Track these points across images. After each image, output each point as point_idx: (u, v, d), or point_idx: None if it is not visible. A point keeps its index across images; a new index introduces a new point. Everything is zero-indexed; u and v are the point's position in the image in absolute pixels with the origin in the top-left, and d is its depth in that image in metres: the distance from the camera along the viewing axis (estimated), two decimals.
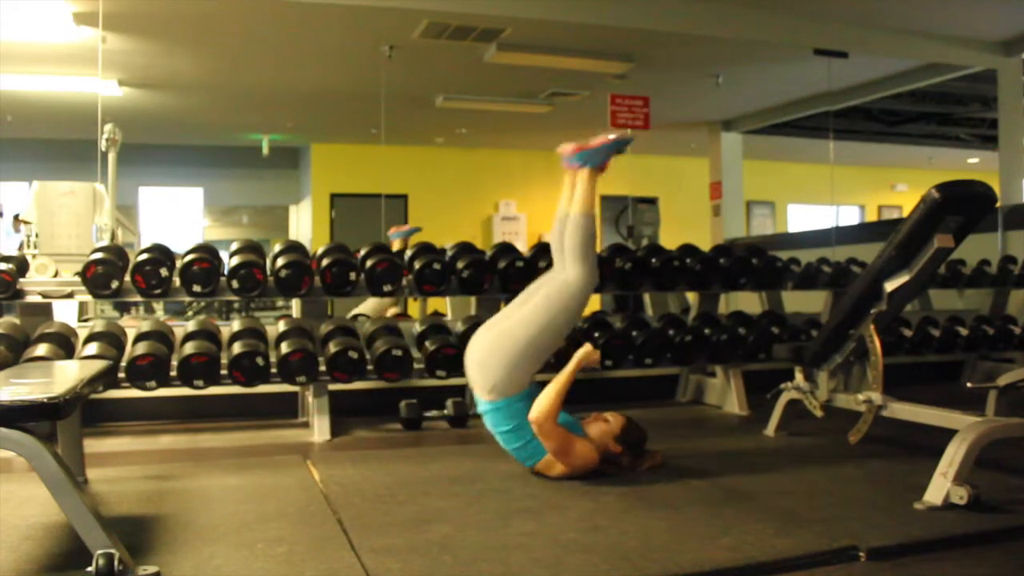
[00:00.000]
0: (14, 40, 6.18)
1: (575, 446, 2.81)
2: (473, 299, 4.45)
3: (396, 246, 5.89)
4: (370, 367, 3.82)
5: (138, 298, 3.75)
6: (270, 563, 2.03)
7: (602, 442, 2.87)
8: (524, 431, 2.84)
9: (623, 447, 2.87)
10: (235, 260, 3.81)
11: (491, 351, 2.91)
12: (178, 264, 3.75)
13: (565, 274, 2.97)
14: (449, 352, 3.87)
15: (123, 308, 6.87)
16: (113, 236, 6.22)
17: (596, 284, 3.09)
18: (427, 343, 3.95)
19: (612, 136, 3.16)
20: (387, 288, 3.95)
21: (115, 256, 3.76)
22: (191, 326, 3.92)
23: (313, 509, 2.52)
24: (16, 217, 6.12)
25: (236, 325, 3.93)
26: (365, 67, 7.08)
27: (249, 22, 6.14)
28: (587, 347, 2.95)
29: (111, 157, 6.39)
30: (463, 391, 4.37)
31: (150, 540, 2.19)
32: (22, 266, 3.79)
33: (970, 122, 10.54)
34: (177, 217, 11.45)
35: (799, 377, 3.49)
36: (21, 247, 6.14)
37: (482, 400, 2.93)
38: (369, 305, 5.65)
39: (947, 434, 2.61)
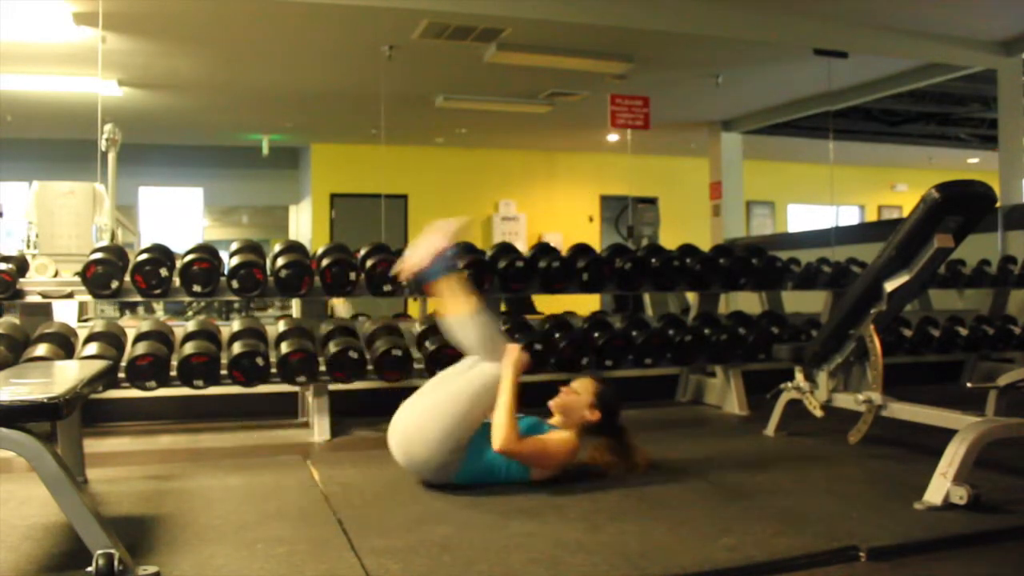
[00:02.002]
0: (14, 40, 6.18)
1: (549, 446, 2.71)
2: None
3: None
4: (370, 367, 3.82)
5: (138, 298, 3.75)
6: (270, 563, 2.03)
7: (577, 415, 2.78)
8: (496, 465, 2.68)
9: (600, 412, 2.78)
10: (235, 260, 3.81)
11: (413, 440, 2.66)
12: (178, 264, 3.75)
13: (476, 369, 2.74)
14: (449, 352, 3.86)
15: (123, 308, 6.86)
16: (113, 236, 6.23)
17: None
18: (427, 343, 3.95)
19: (434, 247, 2.79)
20: (387, 288, 3.95)
21: (115, 256, 3.76)
22: (191, 326, 3.92)
23: (313, 509, 2.52)
24: None
25: (236, 325, 3.93)
26: (365, 67, 7.08)
27: (249, 22, 6.14)
28: (514, 351, 2.73)
29: (111, 157, 6.39)
30: None
31: (150, 540, 2.19)
32: (22, 266, 3.79)
33: (970, 122, 10.55)
34: (177, 217, 11.46)
35: (799, 377, 3.48)
36: None
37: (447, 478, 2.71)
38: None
39: (947, 434, 2.61)
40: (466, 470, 2.68)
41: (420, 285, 2.85)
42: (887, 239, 3.01)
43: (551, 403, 2.88)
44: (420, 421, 2.67)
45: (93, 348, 3.51)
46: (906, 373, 4.75)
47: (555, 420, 2.86)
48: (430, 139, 10.94)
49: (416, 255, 2.79)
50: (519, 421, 2.70)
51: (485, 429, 2.70)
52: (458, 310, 2.76)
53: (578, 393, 2.84)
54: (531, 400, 4.14)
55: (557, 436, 2.76)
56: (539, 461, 2.71)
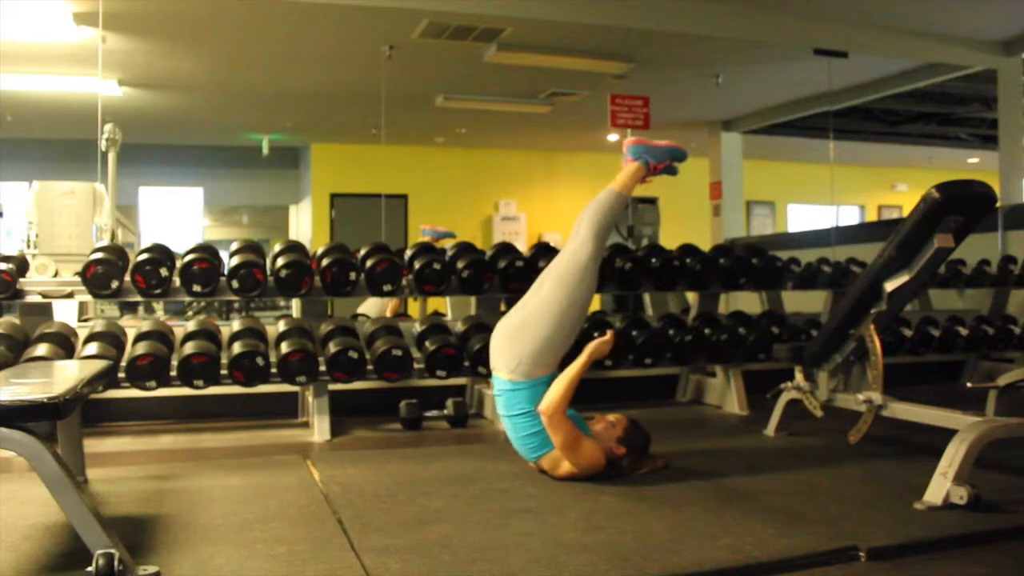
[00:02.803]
0: (14, 40, 6.18)
1: (583, 444, 2.78)
2: (473, 299, 4.45)
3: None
4: (370, 367, 3.82)
5: (138, 298, 3.75)
6: (270, 563, 2.03)
7: (606, 443, 2.85)
8: (534, 420, 2.82)
9: (627, 449, 2.85)
10: (235, 260, 3.81)
11: (520, 330, 2.92)
12: (178, 264, 3.75)
13: (575, 246, 2.99)
14: (449, 352, 3.87)
15: (123, 308, 6.87)
16: (113, 236, 6.23)
17: (602, 257, 3.13)
18: (427, 343, 3.95)
19: (673, 144, 3.20)
20: (387, 288, 3.95)
21: (115, 256, 3.76)
22: (191, 326, 3.92)
23: (313, 509, 2.52)
24: None
25: (236, 325, 3.93)
26: (365, 67, 7.08)
27: (249, 22, 6.14)
28: (603, 338, 2.93)
29: (111, 157, 6.39)
30: (463, 391, 4.37)
31: (150, 540, 2.19)
32: (22, 266, 3.79)
33: (970, 122, 10.55)
34: (177, 217, 11.46)
35: (799, 377, 3.48)
36: None
37: (502, 379, 2.92)
38: (370, 305, 5.65)
39: (947, 434, 2.61)
40: (535, 387, 2.85)
41: (632, 156, 3.17)
42: (887, 239, 3.00)
43: (591, 424, 2.93)
44: (531, 308, 2.94)
45: (93, 348, 3.51)
46: (906, 373, 4.75)
47: (593, 430, 2.91)
48: (430, 139, 10.94)
49: (658, 141, 3.19)
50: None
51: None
52: (616, 186, 3.09)
53: (612, 425, 2.90)
54: None
55: (591, 444, 2.82)
56: (565, 445, 2.76)
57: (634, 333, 4.29)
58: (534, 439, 2.84)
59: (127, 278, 3.69)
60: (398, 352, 3.80)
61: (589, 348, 2.89)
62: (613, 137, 9.82)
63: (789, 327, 4.52)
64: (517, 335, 2.91)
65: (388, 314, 5.44)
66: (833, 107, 8.61)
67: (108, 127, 6.27)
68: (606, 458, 2.83)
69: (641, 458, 2.91)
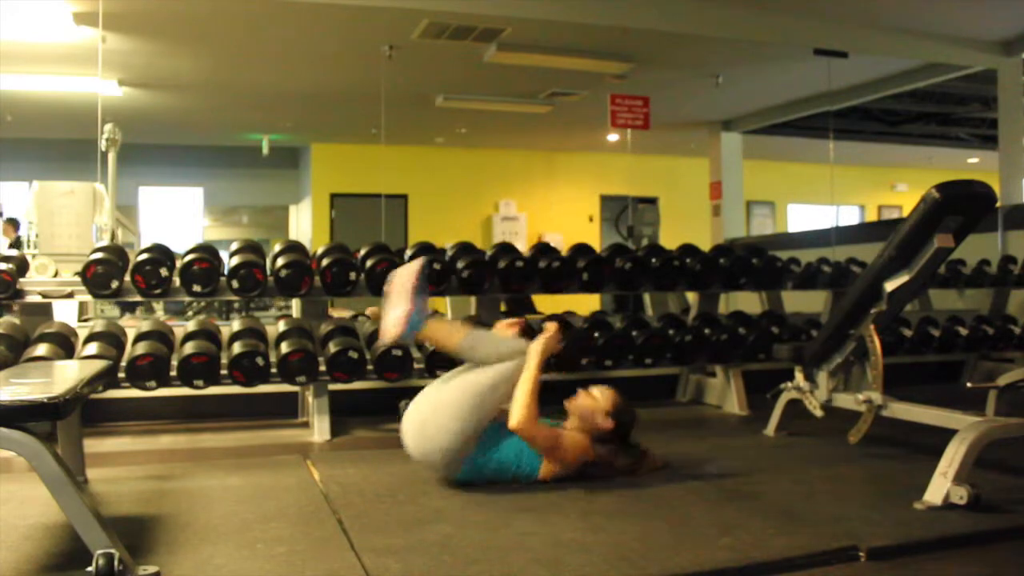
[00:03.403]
0: (14, 40, 6.18)
1: (563, 439, 2.71)
2: (473, 299, 4.45)
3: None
4: (370, 367, 3.82)
5: (138, 298, 3.75)
6: (270, 563, 2.03)
7: (591, 419, 2.78)
8: (504, 463, 2.69)
9: (614, 422, 2.78)
10: (235, 260, 3.81)
11: (427, 424, 2.65)
12: (178, 264, 3.75)
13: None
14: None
15: (123, 308, 6.86)
16: (113, 236, 6.23)
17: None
18: (427, 343, 3.95)
19: (400, 311, 2.73)
20: (387, 288, 3.94)
21: (115, 256, 3.76)
22: (191, 326, 3.92)
23: (313, 509, 2.52)
24: (9, 221, 6.13)
25: (236, 325, 3.93)
26: (365, 67, 7.09)
27: (249, 22, 6.14)
28: (547, 334, 2.75)
29: (111, 157, 6.40)
30: None
31: (150, 540, 2.19)
32: (22, 266, 3.79)
33: (970, 122, 10.55)
34: (177, 217, 11.46)
35: (799, 377, 3.48)
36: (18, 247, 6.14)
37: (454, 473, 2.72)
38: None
39: (947, 434, 2.61)
40: (475, 465, 2.68)
41: (407, 342, 2.84)
42: (887, 239, 3.00)
43: (568, 403, 2.87)
44: (438, 407, 2.68)
45: (93, 348, 3.51)
46: (906, 373, 4.74)
47: (569, 423, 2.86)
48: (430, 139, 10.95)
49: (389, 324, 2.73)
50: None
51: (498, 428, 2.70)
52: (454, 343, 2.75)
53: (596, 399, 2.83)
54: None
55: (570, 434, 2.76)
56: (549, 449, 2.70)
57: (634, 333, 4.29)
58: (521, 471, 2.71)
59: (127, 278, 3.69)
60: (398, 352, 3.80)
61: (535, 350, 2.72)
62: (613, 137, 9.84)
63: (789, 327, 4.52)
64: (428, 439, 2.65)
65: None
66: (833, 107, 8.61)
67: (108, 127, 6.28)
68: (592, 438, 2.75)
69: (637, 456, 2.87)
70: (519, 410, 2.64)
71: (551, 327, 2.83)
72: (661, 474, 2.89)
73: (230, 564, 2.02)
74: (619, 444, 2.84)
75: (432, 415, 2.67)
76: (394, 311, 2.73)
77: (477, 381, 2.68)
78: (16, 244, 6.08)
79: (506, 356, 2.72)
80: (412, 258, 4.12)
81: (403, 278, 2.77)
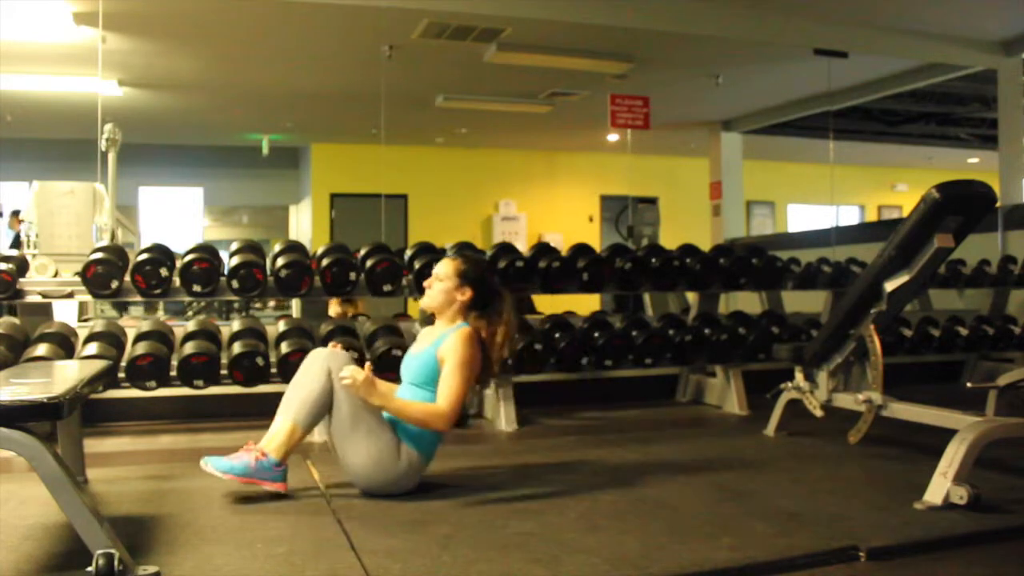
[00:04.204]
0: (14, 40, 6.18)
1: (459, 368, 2.56)
2: None
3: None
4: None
5: (138, 298, 3.75)
6: (270, 563, 2.03)
7: (450, 303, 2.67)
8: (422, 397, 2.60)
9: (471, 287, 2.66)
10: (235, 260, 3.81)
11: (350, 461, 2.58)
12: (178, 264, 3.75)
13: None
14: None
15: (121, 308, 6.86)
16: (113, 236, 6.23)
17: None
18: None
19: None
20: (387, 288, 3.95)
21: (115, 256, 3.76)
22: (191, 326, 3.93)
23: (313, 509, 2.52)
24: (15, 214, 6.14)
25: (236, 325, 3.93)
26: (365, 67, 7.08)
27: (249, 22, 6.14)
28: (348, 381, 2.48)
29: (111, 157, 6.39)
30: None
31: (150, 540, 2.19)
32: (22, 266, 3.79)
33: (970, 122, 10.55)
34: (177, 217, 11.46)
35: (799, 377, 3.49)
36: (19, 245, 6.14)
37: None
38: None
39: (947, 434, 2.61)
40: (425, 451, 2.63)
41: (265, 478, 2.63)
42: (887, 239, 3.01)
43: (420, 303, 2.75)
44: (351, 461, 2.58)
45: (93, 348, 3.51)
46: (906, 373, 4.75)
47: (437, 326, 2.74)
48: (430, 139, 10.94)
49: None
50: (402, 390, 2.63)
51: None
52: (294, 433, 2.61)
53: (440, 279, 2.70)
54: (530, 400, 4.14)
55: (452, 345, 2.59)
56: (468, 383, 2.59)
57: (634, 333, 4.29)
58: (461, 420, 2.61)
59: (127, 278, 3.69)
60: (398, 352, 3.80)
61: (352, 392, 2.50)
62: (613, 137, 9.84)
63: (789, 327, 4.52)
64: (372, 485, 2.59)
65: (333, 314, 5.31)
66: (833, 107, 8.61)
67: (108, 127, 6.27)
68: (465, 321, 2.65)
69: (495, 303, 2.70)
70: (432, 427, 2.57)
71: (357, 372, 2.49)
72: (661, 474, 2.90)
73: (230, 564, 2.02)
74: (489, 300, 2.70)
75: (352, 464, 2.59)
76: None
77: (345, 424, 2.56)
78: (16, 242, 6.08)
79: (325, 386, 2.56)
80: (412, 258, 4.12)
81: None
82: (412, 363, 2.72)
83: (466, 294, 2.68)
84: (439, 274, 2.72)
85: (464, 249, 4.26)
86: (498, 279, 2.73)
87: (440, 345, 2.64)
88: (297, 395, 2.64)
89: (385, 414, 2.60)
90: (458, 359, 2.59)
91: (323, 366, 2.59)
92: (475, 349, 2.63)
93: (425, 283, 2.76)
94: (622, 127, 7.75)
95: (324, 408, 2.59)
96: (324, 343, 3.86)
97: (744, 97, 8.93)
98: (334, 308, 5.49)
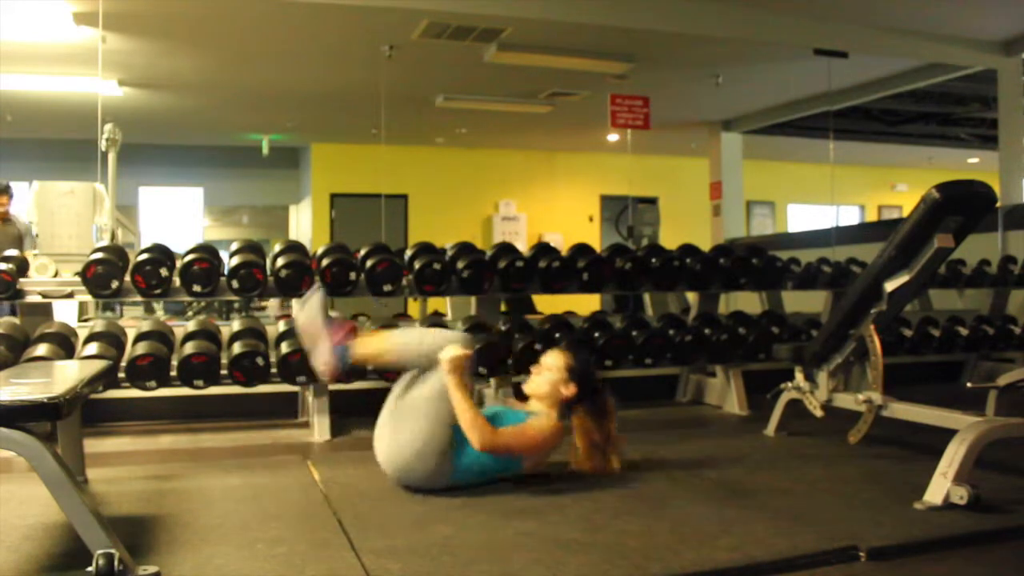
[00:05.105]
0: (14, 40, 6.18)
1: (528, 431, 2.66)
2: (473, 299, 4.45)
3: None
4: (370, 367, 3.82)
5: (138, 298, 3.75)
6: (270, 563, 2.03)
7: (554, 394, 2.72)
8: (489, 461, 2.65)
9: (575, 383, 2.71)
10: (235, 260, 3.81)
11: (399, 451, 2.63)
12: (178, 264, 3.75)
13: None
14: None
15: (111, 308, 6.86)
16: (113, 236, 6.24)
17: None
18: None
19: (325, 349, 2.75)
20: (387, 288, 3.95)
21: (115, 256, 3.76)
22: (191, 326, 3.93)
23: (313, 509, 2.52)
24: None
25: (236, 325, 3.93)
26: (365, 67, 7.09)
27: (249, 22, 6.14)
28: (451, 355, 2.61)
29: (111, 157, 6.39)
30: None
31: (150, 540, 2.19)
32: (22, 266, 3.79)
33: (970, 122, 10.54)
34: (177, 217, 11.46)
35: (799, 377, 3.48)
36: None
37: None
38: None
39: (947, 434, 2.61)
40: (459, 473, 2.65)
41: (345, 370, 2.81)
42: (887, 239, 3.00)
43: (524, 387, 2.82)
44: (399, 437, 2.64)
45: (93, 348, 3.51)
46: (906, 373, 4.74)
47: (533, 405, 2.79)
48: (430, 139, 10.94)
49: (319, 364, 2.76)
50: (484, 413, 2.66)
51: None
52: (386, 359, 2.80)
53: (549, 370, 2.77)
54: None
55: (536, 420, 2.70)
56: (523, 448, 2.66)
57: (634, 333, 4.29)
58: (508, 469, 2.69)
59: (127, 278, 3.69)
60: None
61: (448, 367, 2.60)
62: (613, 137, 9.84)
63: (789, 327, 4.52)
64: (407, 466, 2.63)
65: None
66: (833, 107, 8.61)
67: (108, 127, 6.28)
68: (560, 416, 2.70)
69: (601, 408, 2.76)
70: (471, 433, 2.59)
71: (457, 349, 2.64)
72: (661, 474, 2.90)
73: (230, 564, 2.02)
74: (590, 402, 2.76)
75: (396, 445, 2.63)
76: (318, 351, 2.74)
77: (424, 399, 2.63)
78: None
79: (432, 353, 2.64)
80: (412, 258, 4.13)
81: (309, 316, 2.76)
82: (497, 407, 2.81)
83: (570, 389, 2.73)
84: (548, 365, 2.78)
85: (468, 248, 4.25)
86: (599, 373, 2.81)
87: (531, 417, 2.72)
88: (404, 339, 2.80)
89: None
90: (536, 431, 2.67)
91: (441, 339, 2.70)
92: (552, 441, 2.70)
93: (533, 369, 2.82)
94: (622, 127, 7.75)
95: (411, 362, 2.71)
96: None
97: (744, 97, 8.93)
98: None
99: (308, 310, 2.78)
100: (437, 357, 2.63)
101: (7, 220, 6.14)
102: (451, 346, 2.64)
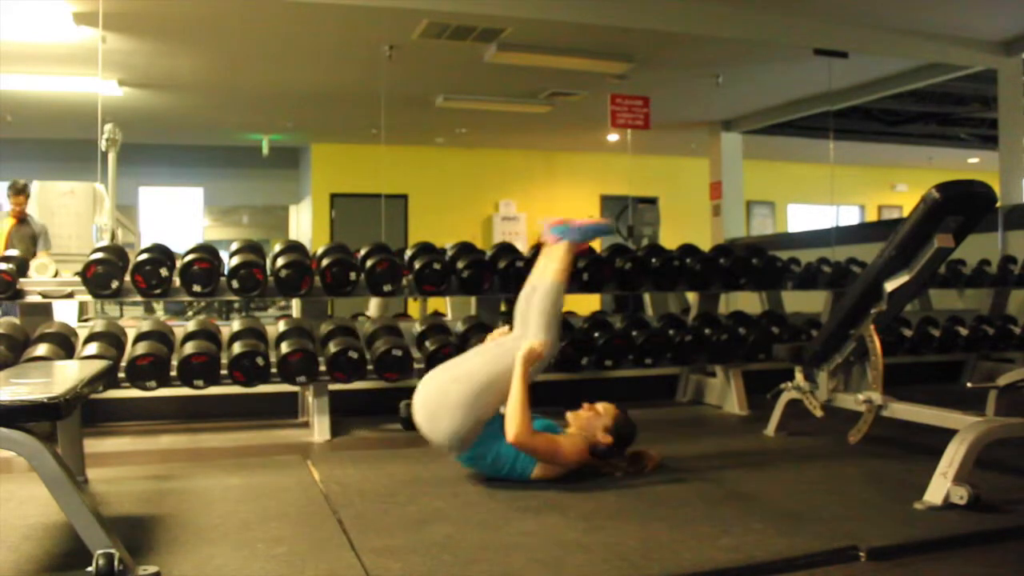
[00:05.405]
0: (14, 40, 6.18)
1: (562, 447, 2.76)
2: (473, 299, 4.45)
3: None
4: (370, 367, 3.82)
5: (138, 298, 3.75)
6: (270, 563, 2.03)
7: (590, 432, 2.83)
8: (502, 456, 2.74)
9: (613, 438, 2.82)
10: (235, 260, 3.81)
11: (438, 404, 2.74)
12: (178, 264, 3.75)
13: (526, 340, 2.88)
14: (449, 352, 3.86)
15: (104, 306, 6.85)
16: (113, 236, 6.24)
17: (554, 355, 3.05)
18: (427, 343, 3.95)
19: (597, 221, 3.14)
20: (387, 288, 3.95)
21: (115, 256, 3.76)
22: (191, 326, 3.93)
23: (313, 509, 2.52)
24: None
25: (236, 325, 3.93)
26: (365, 67, 7.08)
27: (249, 22, 6.14)
28: (528, 347, 2.81)
29: (111, 157, 6.40)
30: None
31: (150, 540, 2.19)
32: (22, 266, 3.79)
33: (970, 122, 10.54)
34: (177, 217, 11.46)
35: (799, 377, 3.48)
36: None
37: (452, 455, 2.83)
38: (373, 305, 5.63)
39: (947, 434, 2.61)
40: (475, 451, 2.74)
41: (556, 235, 3.14)
42: (887, 239, 3.00)
43: (569, 414, 2.92)
44: (447, 386, 2.77)
45: (93, 348, 3.51)
46: (906, 373, 4.75)
47: (570, 430, 2.89)
48: (430, 139, 10.94)
49: (580, 220, 3.17)
50: (533, 419, 2.76)
51: (502, 420, 2.75)
52: (554, 276, 2.97)
53: (599, 413, 2.88)
54: (531, 400, 4.13)
55: (569, 440, 2.80)
56: (548, 456, 2.74)
57: (634, 333, 4.29)
58: (514, 471, 2.76)
59: (127, 278, 3.69)
60: (398, 352, 3.81)
61: (521, 359, 2.78)
62: (613, 137, 9.83)
63: (789, 327, 4.52)
64: (436, 420, 2.74)
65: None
66: (833, 107, 8.60)
67: (108, 127, 6.28)
68: (589, 449, 2.80)
69: (633, 459, 2.90)
70: (512, 425, 2.68)
71: (535, 341, 2.85)
72: (661, 474, 2.90)
73: (230, 564, 2.02)
74: (617, 455, 2.89)
75: (441, 392, 2.76)
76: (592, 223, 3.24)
77: (487, 364, 2.81)
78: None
79: (534, 325, 2.90)
80: (412, 258, 4.13)
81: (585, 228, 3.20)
82: (542, 419, 2.91)
83: (606, 438, 2.83)
84: (599, 409, 2.90)
85: (468, 248, 4.25)
86: (635, 443, 2.97)
87: (566, 433, 2.86)
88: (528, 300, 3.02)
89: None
90: (565, 446, 2.77)
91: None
92: (572, 460, 2.77)
93: (586, 405, 2.93)
94: (622, 127, 7.75)
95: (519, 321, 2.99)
96: (324, 343, 3.87)
97: (744, 97, 8.93)
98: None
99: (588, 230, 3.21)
100: (546, 329, 2.89)
101: (23, 220, 6.14)
102: (535, 340, 2.85)
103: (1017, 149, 7.30)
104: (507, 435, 2.69)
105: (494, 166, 11.80)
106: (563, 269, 3.01)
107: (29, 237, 6.07)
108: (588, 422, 2.86)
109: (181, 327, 3.97)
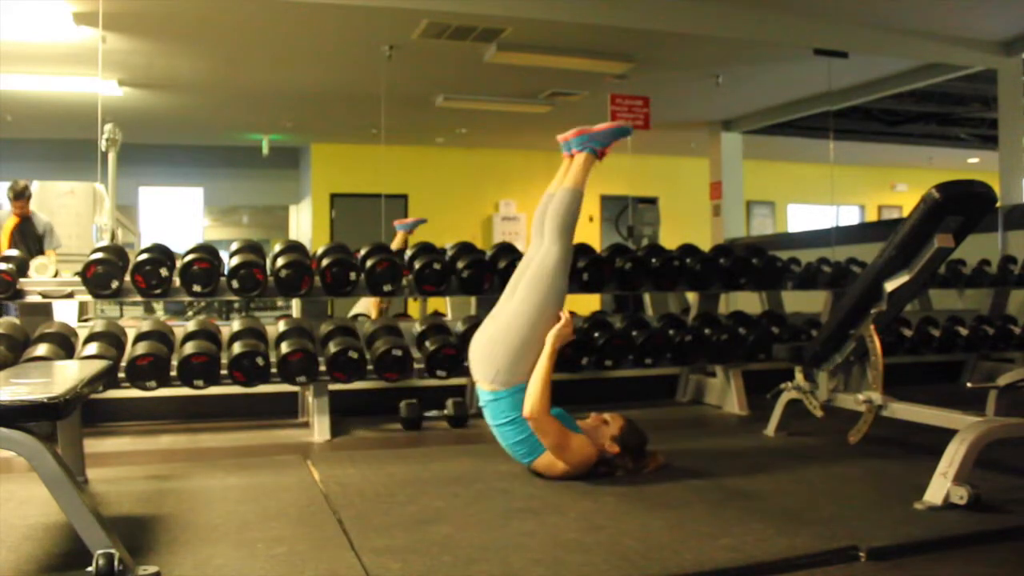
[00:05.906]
0: (14, 40, 6.18)
1: (572, 441, 2.79)
2: (473, 299, 4.45)
3: (399, 240, 5.87)
4: (370, 367, 3.82)
5: (138, 298, 3.75)
6: (270, 563, 2.03)
7: (599, 441, 2.85)
8: (523, 424, 2.81)
9: (621, 448, 2.85)
10: (235, 260, 3.81)
11: (494, 340, 2.89)
12: (178, 264, 3.75)
13: (542, 253, 2.97)
14: (449, 352, 3.87)
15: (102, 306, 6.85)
16: (113, 236, 6.23)
17: (571, 260, 3.10)
18: (427, 343, 3.95)
19: (615, 123, 3.19)
20: (387, 288, 3.95)
21: (115, 256, 3.76)
22: (191, 326, 3.92)
23: (313, 509, 2.52)
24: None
25: (236, 325, 3.93)
26: (365, 67, 7.08)
27: (249, 22, 6.14)
28: (560, 322, 2.90)
29: (111, 157, 6.39)
30: (463, 391, 4.37)
31: (150, 540, 2.19)
32: (22, 266, 3.79)
33: (970, 122, 10.54)
34: (177, 217, 11.46)
35: (799, 377, 3.48)
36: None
37: (484, 391, 2.91)
38: (363, 304, 5.64)
39: (947, 434, 2.61)
40: (516, 393, 2.82)
41: (577, 147, 3.15)
42: (887, 239, 3.00)
43: (581, 422, 2.93)
44: (504, 317, 2.92)
45: (93, 348, 3.51)
46: (906, 373, 4.75)
47: (585, 428, 2.90)
48: (430, 139, 10.94)
49: (597, 126, 3.16)
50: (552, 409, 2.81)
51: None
52: (572, 183, 3.05)
53: (607, 423, 2.90)
54: None
55: (580, 440, 2.82)
56: (555, 446, 2.76)
57: (634, 333, 4.29)
58: (523, 445, 2.83)
59: (127, 278, 3.69)
60: (398, 352, 3.81)
61: (551, 337, 2.87)
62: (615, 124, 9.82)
63: (789, 327, 4.52)
64: (491, 346, 2.89)
65: (373, 315, 5.41)
66: (833, 107, 8.61)
67: (108, 127, 6.27)
68: (598, 454, 2.82)
69: (637, 459, 2.90)
70: (531, 400, 2.75)
71: (567, 317, 2.91)
72: (661, 474, 2.90)
73: (230, 564, 2.02)
74: (624, 463, 2.90)
75: (500, 328, 2.90)
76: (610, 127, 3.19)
77: (532, 304, 2.89)
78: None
79: (556, 231, 2.98)
80: (412, 258, 4.13)
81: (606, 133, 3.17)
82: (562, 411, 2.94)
83: (613, 448, 2.85)
84: (607, 419, 2.92)
85: (468, 248, 4.25)
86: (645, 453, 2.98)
87: (580, 434, 2.88)
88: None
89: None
90: (574, 444, 2.80)
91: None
92: (576, 460, 2.80)
93: (593, 415, 2.95)
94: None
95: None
96: (324, 343, 3.87)
97: (744, 97, 8.93)
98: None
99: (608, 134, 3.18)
100: (567, 234, 2.99)
101: (28, 220, 6.13)
102: (562, 325, 2.91)
103: (1017, 149, 7.30)
104: (524, 408, 2.75)
105: (494, 166, 11.80)
106: (582, 176, 3.06)
107: (36, 236, 6.07)
108: (596, 431, 2.87)
109: (181, 327, 3.97)
